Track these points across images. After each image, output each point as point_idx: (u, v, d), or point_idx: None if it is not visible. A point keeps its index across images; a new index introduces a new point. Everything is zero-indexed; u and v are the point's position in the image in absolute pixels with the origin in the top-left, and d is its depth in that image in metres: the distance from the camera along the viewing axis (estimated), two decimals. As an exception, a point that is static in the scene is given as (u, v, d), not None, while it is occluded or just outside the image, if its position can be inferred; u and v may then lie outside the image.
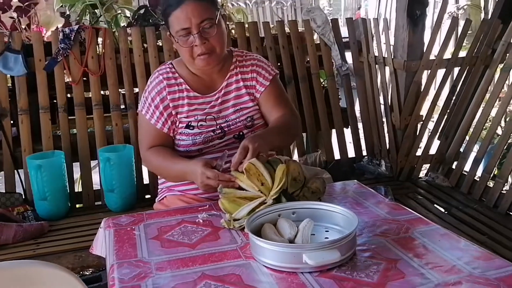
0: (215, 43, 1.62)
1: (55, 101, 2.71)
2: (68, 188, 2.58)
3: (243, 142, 1.48)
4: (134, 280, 1.15)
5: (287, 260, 1.14)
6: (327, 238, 1.29)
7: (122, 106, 2.84)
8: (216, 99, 1.73)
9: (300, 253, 1.12)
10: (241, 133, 1.74)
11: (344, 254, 1.15)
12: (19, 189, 2.65)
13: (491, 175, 2.74)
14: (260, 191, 1.40)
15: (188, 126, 1.70)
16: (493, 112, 2.89)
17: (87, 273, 2.81)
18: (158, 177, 1.95)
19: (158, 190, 1.92)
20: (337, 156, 3.10)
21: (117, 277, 1.17)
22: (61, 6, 3.74)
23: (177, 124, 1.71)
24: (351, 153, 3.15)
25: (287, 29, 3.07)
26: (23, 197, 2.61)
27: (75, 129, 2.72)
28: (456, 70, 3.01)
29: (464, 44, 2.98)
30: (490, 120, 2.96)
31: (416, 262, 1.16)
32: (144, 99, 1.73)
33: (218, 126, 1.72)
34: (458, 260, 1.16)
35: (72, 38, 2.64)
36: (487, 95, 2.91)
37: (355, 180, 1.77)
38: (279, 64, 3.02)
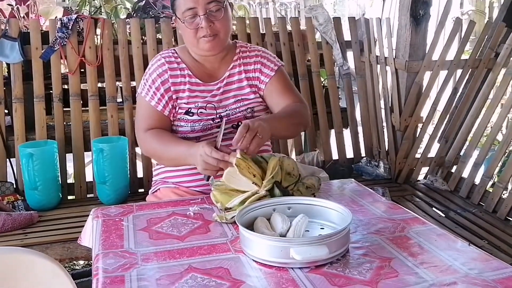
0: (221, 27, 1.62)
1: (51, 91, 2.68)
2: (60, 179, 2.53)
3: (244, 122, 1.44)
4: (118, 271, 1.12)
5: (275, 255, 1.10)
6: (321, 235, 1.25)
7: (119, 100, 2.80)
8: (217, 88, 1.72)
9: (288, 248, 1.08)
10: (239, 124, 1.70)
11: (334, 251, 1.11)
12: (11, 179, 2.61)
13: (491, 180, 2.69)
14: (254, 183, 1.36)
15: (187, 113, 1.68)
16: (494, 118, 2.86)
17: (78, 267, 2.77)
18: (153, 169, 1.91)
19: (152, 182, 1.89)
20: (335, 156, 3.06)
21: (101, 267, 1.14)
22: (62, -3, 3.72)
23: (176, 109, 1.69)
24: (349, 153, 3.11)
25: (288, 27, 3.03)
26: (14, 186, 2.57)
27: (70, 122, 2.68)
28: (459, 72, 2.97)
29: (466, 49, 2.94)
30: (491, 127, 2.92)
31: (410, 261, 1.13)
32: (144, 81, 1.71)
33: (218, 115, 1.70)
34: (455, 260, 1.13)
35: (70, 27, 2.61)
36: (489, 100, 2.87)
37: (352, 179, 1.74)
38: (279, 61, 2.98)
